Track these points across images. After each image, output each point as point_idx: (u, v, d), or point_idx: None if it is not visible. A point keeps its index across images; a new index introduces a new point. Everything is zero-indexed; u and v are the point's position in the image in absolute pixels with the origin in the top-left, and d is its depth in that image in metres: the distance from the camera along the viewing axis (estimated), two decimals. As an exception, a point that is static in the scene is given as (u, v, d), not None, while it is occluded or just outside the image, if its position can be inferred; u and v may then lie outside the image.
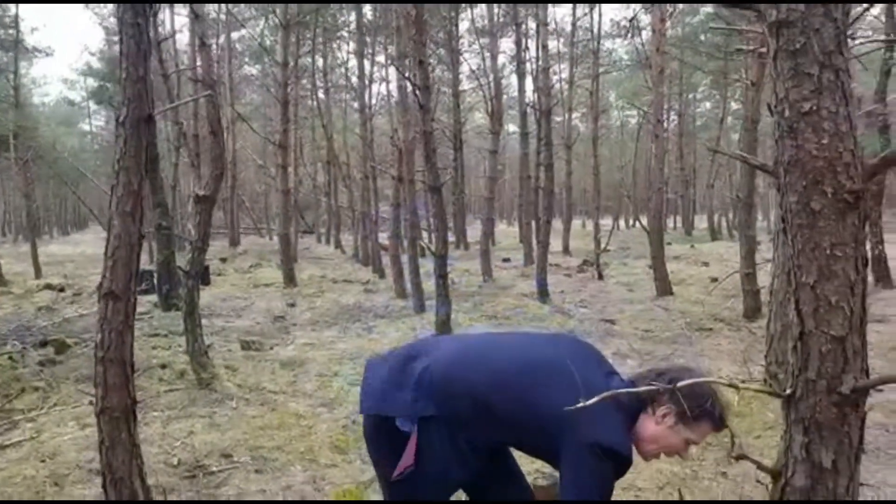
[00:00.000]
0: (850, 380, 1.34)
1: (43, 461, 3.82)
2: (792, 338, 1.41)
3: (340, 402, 5.00)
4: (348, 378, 5.69)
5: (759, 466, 1.50)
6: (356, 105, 21.30)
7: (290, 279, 12.82)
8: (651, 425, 1.85)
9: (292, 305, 10.22)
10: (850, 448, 1.39)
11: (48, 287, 12.93)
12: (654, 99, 11.19)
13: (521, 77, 17.96)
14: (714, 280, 10.94)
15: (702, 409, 1.79)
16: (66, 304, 10.66)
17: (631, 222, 35.42)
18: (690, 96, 30.78)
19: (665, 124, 19.34)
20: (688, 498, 3.14)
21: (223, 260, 19.07)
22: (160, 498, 3.20)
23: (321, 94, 22.26)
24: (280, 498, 3.31)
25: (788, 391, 1.42)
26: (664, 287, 10.07)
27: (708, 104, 34.04)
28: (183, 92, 15.69)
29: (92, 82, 36.09)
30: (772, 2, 1.32)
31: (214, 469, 3.72)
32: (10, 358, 6.43)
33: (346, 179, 21.83)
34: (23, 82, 21.51)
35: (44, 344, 7.08)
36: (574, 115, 24.33)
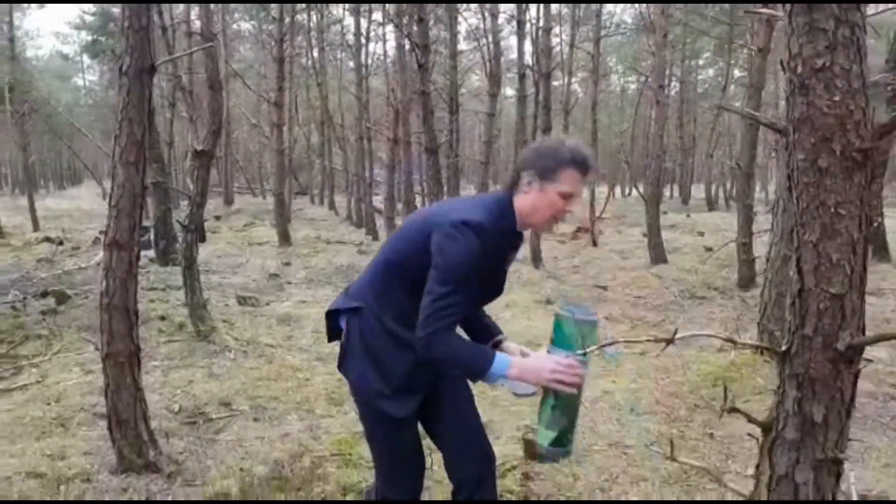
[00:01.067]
0: (846, 336, 1.38)
1: (49, 404, 3.90)
2: (791, 295, 1.44)
3: (336, 356, 5.05)
4: (344, 335, 5.75)
5: (750, 420, 1.55)
6: (352, 64, 21.02)
7: (284, 238, 12.84)
8: (524, 198, 1.91)
9: (287, 264, 10.26)
10: (841, 403, 1.44)
11: (47, 240, 12.95)
12: (656, 63, 11.09)
13: (521, 38, 17.65)
14: (709, 249, 10.99)
15: (557, 159, 1.85)
16: (65, 257, 10.68)
17: (628, 190, 35.38)
18: (693, 63, 30.43)
19: (666, 91, 19.11)
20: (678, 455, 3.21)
21: (218, 218, 19.05)
22: (162, 440, 3.26)
23: (316, 53, 21.90)
24: (278, 445, 3.38)
25: (784, 347, 1.46)
26: (658, 255, 10.12)
27: (711, 71, 33.62)
28: (178, 46, 15.41)
29: (85, 36, 35.36)
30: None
31: (214, 416, 3.79)
32: (13, 307, 6.48)
33: (341, 140, 21.67)
34: (16, 34, 20.97)
35: (44, 294, 7.12)
36: (573, 79, 24.04)
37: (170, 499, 2.88)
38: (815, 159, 1.34)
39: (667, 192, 33.41)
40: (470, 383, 2.17)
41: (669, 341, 1.46)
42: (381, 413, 2.02)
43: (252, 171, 36.80)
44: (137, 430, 3.09)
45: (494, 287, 2.06)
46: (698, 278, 8.52)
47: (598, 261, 10.75)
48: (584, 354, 1.82)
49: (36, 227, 16.03)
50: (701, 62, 31.82)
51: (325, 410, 3.95)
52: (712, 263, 9.49)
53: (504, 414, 3.90)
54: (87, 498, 2.87)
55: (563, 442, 1.87)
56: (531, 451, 3.23)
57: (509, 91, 31.63)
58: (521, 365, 1.83)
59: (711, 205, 25.69)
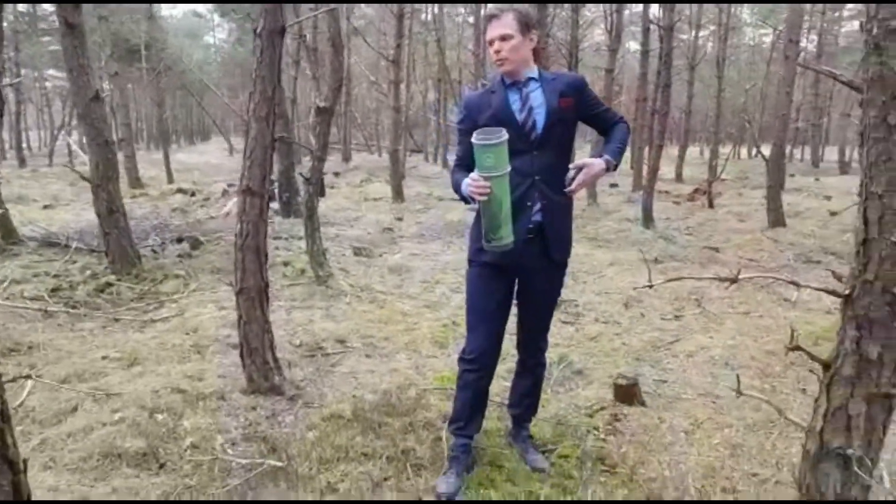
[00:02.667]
0: (905, 282, 1.45)
1: (187, 334, 4.44)
2: (856, 244, 1.51)
3: (442, 305, 5.37)
4: (450, 285, 6.04)
5: (812, 357, 1.64)
6: (472, 20, 20.99)
7: (398, 195, 13.29)
8: None
9: (400, 219, 10.68)
10: (897, 343, 1.51)
11: (181, 191, 14.11)
12: (789, 16, 10.41)
13: (647, -12, 16.88)
14: (833, 214, 10.40)
15: None
16: (196, 207, 11.66)
17: (754, 151, 33.35)
18: (836, 14, 27.94)
19: (803, 44, 17.72)
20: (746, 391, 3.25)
21: (336, 174, 19.87)
22: (286, 369, 3.68)
23: (435, 8, 22.04)
24: (387, 378, 3.72)
25: (847, 291, 1.54)
26: (777, 218, 9.68)
27: (856, 23, 30.69)
28: (304, 6, 16.02)
29: (217, -7, 37.04)
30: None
31: (331, 351, 4.19)
32: (153, 250, 7.26)
33: (457, 97, 21.85)
34: (154, -6, 22.44)
35: (180, 240, 7.88)
36: (702, 32, 22.78)
37: (291, 418, 3.27)
38: (885, 116, 1.40)
39: (797, 154, 31.28)
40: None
41: (734, 280, 1.57)
42: (471, 265, 2.67)
43: (369, 128, 37.79)
44: (265, 357, 3.51)
45: (515, 125, 2.47)
46: (816, 242, 8.15)
47: (713, 222, 10.44)
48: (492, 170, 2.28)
49: (170, 179, 17.45)
50: (846, 12, 29.15)
51: (429, 351, 4.26)
52: (834, 228, 8.99)
53: (598, 363, 4.06)
54: (222, 412, 3.31)
55: (487, 238, 2.39)
56: (620, 395, 3.39)
57: (633, 45, 30.44)
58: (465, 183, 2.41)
59: (844, 168, 23.80)
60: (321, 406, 3.36)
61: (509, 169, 2.30)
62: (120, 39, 21.27)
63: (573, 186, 2.44)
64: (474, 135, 2.28)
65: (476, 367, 2.65)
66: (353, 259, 7.19)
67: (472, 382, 2.69)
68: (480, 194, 2.30)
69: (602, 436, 3.07)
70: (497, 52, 2.48)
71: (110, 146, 6.07)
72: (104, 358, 3.99)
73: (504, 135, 2.25)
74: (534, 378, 2.90)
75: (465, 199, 2.46)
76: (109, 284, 5.74)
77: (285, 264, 6.44)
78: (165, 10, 38.75)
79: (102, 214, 6.02)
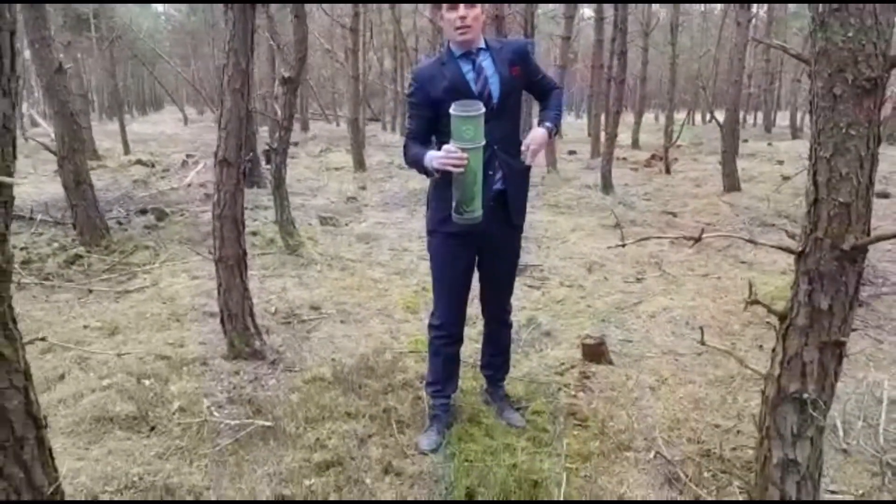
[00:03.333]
0: (851, 238, 1.62)
1: (164, 303, 4.48)
2: (807, 204, 1.68)
3: (412, 272, 5.49)
4: (417, 253, 6.16)
5: (770, 310, 1.81)
6: (427, -13, 20.71)
7: (359, 164, 13.26)
8: (444, 32, 2.64)
9: (363, 188, 10.70)
10: (845, 295, 1.70)
11: (140, 163, 13.82)
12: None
13: (601, -44, 16.97)
14: (786, 178, 10.78)
15: None
16: (157, 179, 11.48)
17: (708, 117, 34.00)
18: (785, -18, 28.41)
19: (754, 10, 18.04)
20: (711, 343, 3.48)
21: (295, 144, 19.60)
22: (264, 336, 3.77)
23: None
24: (363, 342, 3.84)
25: (799, 248, 1.72)
26: (732, 183, 10.01)
27: (804, -10, 31.29)
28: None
29: (165, -42, 35.86)
30: None
31: (306, 318, 4.29)
32: (119, 222, 7.19)
33: (414, 65, 21.66)
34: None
35: (144, 212, 7.83)
36: (655, -1, 22.93)
37: (274, 381, 3.37)
38: (831, 87, 1.55)
39: (750, 120, 32.03)
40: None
41: (698, 239, 1.72)
42: (434, 235, 2.71)
43: (326, 97, 37.15)
44: (245, 323, 3.60)
45: (472, 95, 2.50)
46: (770, 206, 8.48)
47: (670, 188, 10.72)
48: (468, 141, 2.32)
49: (127, 151, 17.03)
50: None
51: (402, 316, 4.39)
52: (787, 192, 9.35)
53: (565, 325, 4.24)
54: (206, 377, 3.40)
55: (459, 210, 2.42)
56: (588, 354, 3.58)
57: (588, 12, 30.54)
58: (430, 156, 2.44)
59: (796, 133, 24.48)
60: (302, 370, 3.47)
61: (485, 141, 2.36)
62: (69, 8, 20.43)
63: (530, 159, 2.55)
64: (453, 106, 2.33)
65: (445, 333, 2.80)
66: (319, 228, 7.24)
67: (443, 348, 2.84)
68: (457, 166, 2.34)
69: (573, 392, 3.26)
70: (462, 17, 2.47)
71: (75, 118, 6.00)
72: (85, 327, 4.05)
73: (481, 107, 2.32)
74: (502, 339, 3.04)
75: (428, 172, 2.47)
76: (79, 256, 5.72)
77: (254, 234, 6.46)
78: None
79: (69, 187, 5.97)
